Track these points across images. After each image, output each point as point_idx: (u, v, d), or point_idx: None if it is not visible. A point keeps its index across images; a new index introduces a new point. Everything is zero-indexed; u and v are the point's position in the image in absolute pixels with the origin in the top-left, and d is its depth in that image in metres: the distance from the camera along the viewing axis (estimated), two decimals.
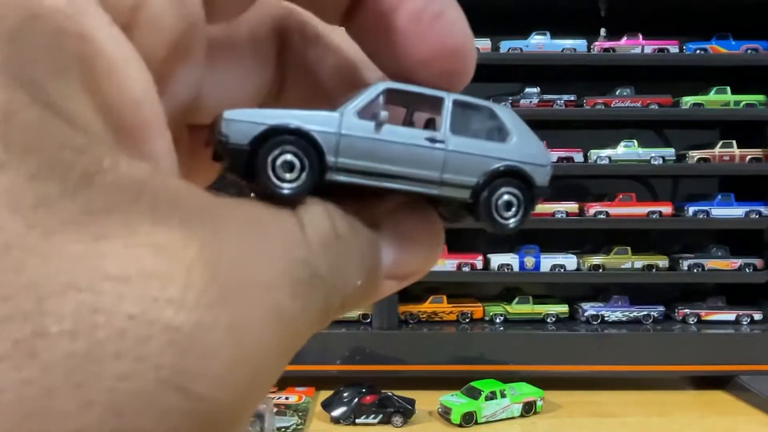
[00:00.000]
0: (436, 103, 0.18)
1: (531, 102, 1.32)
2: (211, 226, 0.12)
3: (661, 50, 1.32)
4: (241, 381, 0.12)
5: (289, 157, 0.16)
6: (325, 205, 0.16)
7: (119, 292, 0.10)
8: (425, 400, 1.11)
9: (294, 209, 0.15)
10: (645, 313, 1.33)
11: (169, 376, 0.10)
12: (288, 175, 0.16)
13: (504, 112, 0.19)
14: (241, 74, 0.18)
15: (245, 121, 0.16)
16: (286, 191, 0.16)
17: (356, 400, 1.07)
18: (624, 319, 1.33)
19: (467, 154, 0.18)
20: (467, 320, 1.33)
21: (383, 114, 0.17)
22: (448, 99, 0.18)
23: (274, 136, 0.16)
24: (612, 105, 1.32)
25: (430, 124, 0.18)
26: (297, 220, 0.15)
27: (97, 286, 0.10)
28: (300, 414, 1.11)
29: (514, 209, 0.18)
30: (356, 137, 0.17)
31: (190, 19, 0.14)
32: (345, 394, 1.09)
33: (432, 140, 0.17)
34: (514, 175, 0.18)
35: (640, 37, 1.32)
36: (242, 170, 0.16)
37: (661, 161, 1.32)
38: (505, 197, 0.18)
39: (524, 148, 0.19)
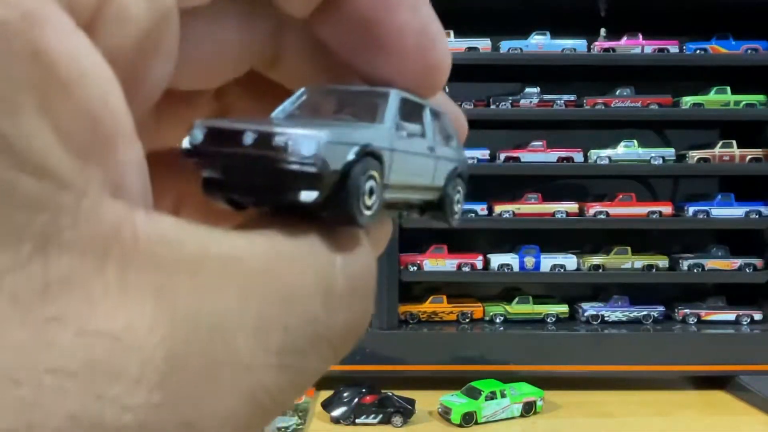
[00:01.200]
0: (419, 111, 0.18)
1: (531, 102, 1.32)
2: (189, 294, 0.11)
3: (661, 50, 1.32)
4: None
5: (373, 181, 0.15)
6: (364, 237, 0.14)
7: (61, 387, 0.10)
8: (425, 400, 1.11)
9: (331, 246, 0.14)
10: (645, 313, 1.33)
11: None
12: (369, 200, 0.14)
13: (446, 116, 0.20)
14: (225, 38, 0.17)
15: (337, 142, 0.14)
16: (366, 219, 0.14)
17: (356, 400, 1.07)
18: (624, 319, 1.33)
19: (445, 159, 0.18)
20: (467, 320, 1.33)
21: (412, 127, 0.17)
22: (427, 107, 0.18)
23: (363, 158, 0.14)
24: (612, 105, 1.32)
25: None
26: (330, 263, 0.13)
27: (37, 380, 0.09)
28: (300, 414, 1.11)
29: (459, 204, 0.20)
30: (398, 151, 0.16)
31: (162, 11, 0.13)
32: (345, 394, 1.09)
33: (431, 149, 0.18)
34: (459, 175, 0.19)
35: (640, 37, 1.32)
36: (326, 200, 0.14)
37: (661, 161, 1.32)
38: (458, 195, 0.19)
39: (460, 148, 0.20)
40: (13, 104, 0.10)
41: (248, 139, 0.13)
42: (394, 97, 0.16)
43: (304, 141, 0.13)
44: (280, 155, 0.13)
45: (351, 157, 0.14)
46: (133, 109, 0.12)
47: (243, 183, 0.14)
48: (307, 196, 0.14)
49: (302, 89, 0.17)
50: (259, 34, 0.17)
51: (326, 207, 0.14)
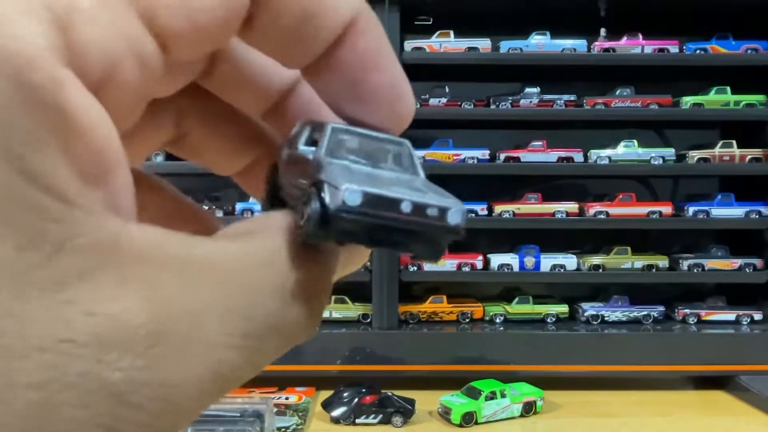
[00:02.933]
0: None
1: (531, 102, 1.31)
2: (170, 286, 0.14)
3: (661, 50, 1.31)
4: (165, 425, 0.14)
5: None
6: (321, 255, 0.18)
7: (74, 353, 0.13)
8: (425, 400, 1.11)
9: (291, 259, 0.17)
10: (645, 313, 1.33)
11: (104, 421, 0.13)
12: None
13: None
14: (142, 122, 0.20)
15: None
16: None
17: (356, 400, 1.07)
18: (624, 319, 1.33)
19: None
20: (467, 320, 1.33)
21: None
22: None
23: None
24: (612, 105, 1.32)
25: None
26: (289, 271, 0.17)
27: (57, 348, 0.13)
28: (300, 414, 1.11)
29: None
30: None
31: (153, 79, 0.16)
32: (345, 394, 1.09)
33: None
34: None
35: (640, 37, 1.32)
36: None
37: (661, 161, 1.32)
38: None
39: None
40: (43, 144, 0.13)
41: (406, 207, 0.17)
42: (411, 146, 0.20)
43: (456, 213, 0.17)
44: (434, 222, 0.17)
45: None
46: None
47: (392, 239, 0.18)
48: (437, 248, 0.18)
49: (330, 129, 0.19)
50: (166, 120, 0.22)
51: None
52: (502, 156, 1.31)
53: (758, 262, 1.32)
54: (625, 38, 1.32)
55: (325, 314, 1.29)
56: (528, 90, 1.32)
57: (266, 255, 0.17)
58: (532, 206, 1.31)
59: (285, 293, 0.17)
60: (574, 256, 1.33)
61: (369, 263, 1.27)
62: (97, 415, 0.13)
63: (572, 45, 1.31)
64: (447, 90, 1.31)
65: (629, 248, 1.34)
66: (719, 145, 1.32)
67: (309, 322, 0.17)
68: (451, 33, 1.29)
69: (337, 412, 1.07)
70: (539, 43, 1.31)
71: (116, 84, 0.15)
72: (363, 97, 0.19)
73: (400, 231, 0.17)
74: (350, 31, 0.18)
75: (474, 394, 1.09)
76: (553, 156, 1.31)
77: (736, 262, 1.32)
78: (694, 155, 1.32)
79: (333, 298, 1.31)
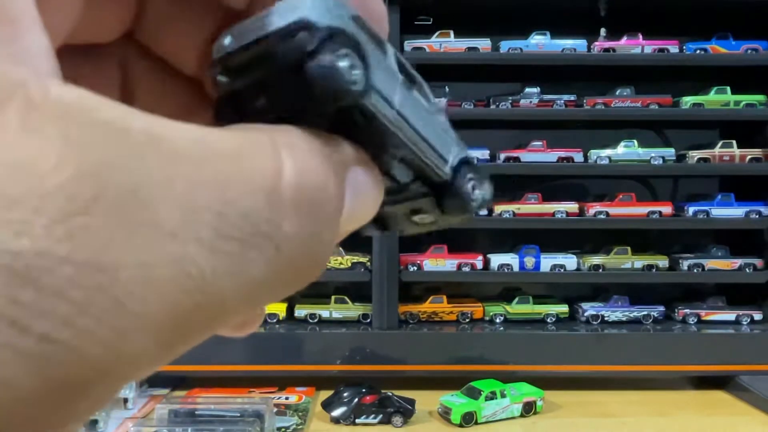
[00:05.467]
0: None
1: (531, 102, 1.31)
2: (104, 149, 0.11)
3: (661, 50, 1.32)
4: (102, 329, 0.10)
5: None
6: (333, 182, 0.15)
7: None
8: (425, 400, 1.11)
9: (281, 159, 0.14)
10: (645, 313, 1.33)
11: (1, 309, 0.09)
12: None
13: None
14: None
15: None
16: None
17: (356, 400, 1.07)
18: (624, 319, 1.33)
19: None
20: (467, 320, 1.33)
21: None
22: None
23: None
24: (612, 105, 1.32)
25: None
26: (275, 171, 0.14)
27: None
28: (300, 414, 1.11)
29: None
30: None
31: None
32: (345, 394, 1.09)
33: None
34: None
35: (640, 37, 1.32)
36: None
37: (661, 161, 1.32)
38: None
39: None
40: None
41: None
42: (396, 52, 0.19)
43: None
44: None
45: None
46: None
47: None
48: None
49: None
50: (109, 70, 0.19)
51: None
52: (502, 156, 1.31)
53: (758, 262, 1.32)
54: (625, 38, 1.32)
55: (325, 314, 1.30)
56: (528, 90, 1.32)
57: (255, 147, 0.13)
58: (532, 206, 1.31)
59: (274, 195, 0.13)
60: (574, 256, 1.33)
61: (369, 263, 1.27)
62: None
63: (572, 45, 1.31)
64: (447, 90, 1.31)
65: (629, 248, 1.34)
66: (719, 145, 1.32)
67: (314, 246, 0.14)
68: (451, 33, 1.29)
69: (337, 412, 1.07)
70: (539, 43, 1.31)
71: None
72: None
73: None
74: None
75: (474, 394, 1.09)
76: (553, 156, 1.31)
77: (736, 262, 1.32)
78: (694, 155, 1.32)
79: (333, 298, 1.31)
